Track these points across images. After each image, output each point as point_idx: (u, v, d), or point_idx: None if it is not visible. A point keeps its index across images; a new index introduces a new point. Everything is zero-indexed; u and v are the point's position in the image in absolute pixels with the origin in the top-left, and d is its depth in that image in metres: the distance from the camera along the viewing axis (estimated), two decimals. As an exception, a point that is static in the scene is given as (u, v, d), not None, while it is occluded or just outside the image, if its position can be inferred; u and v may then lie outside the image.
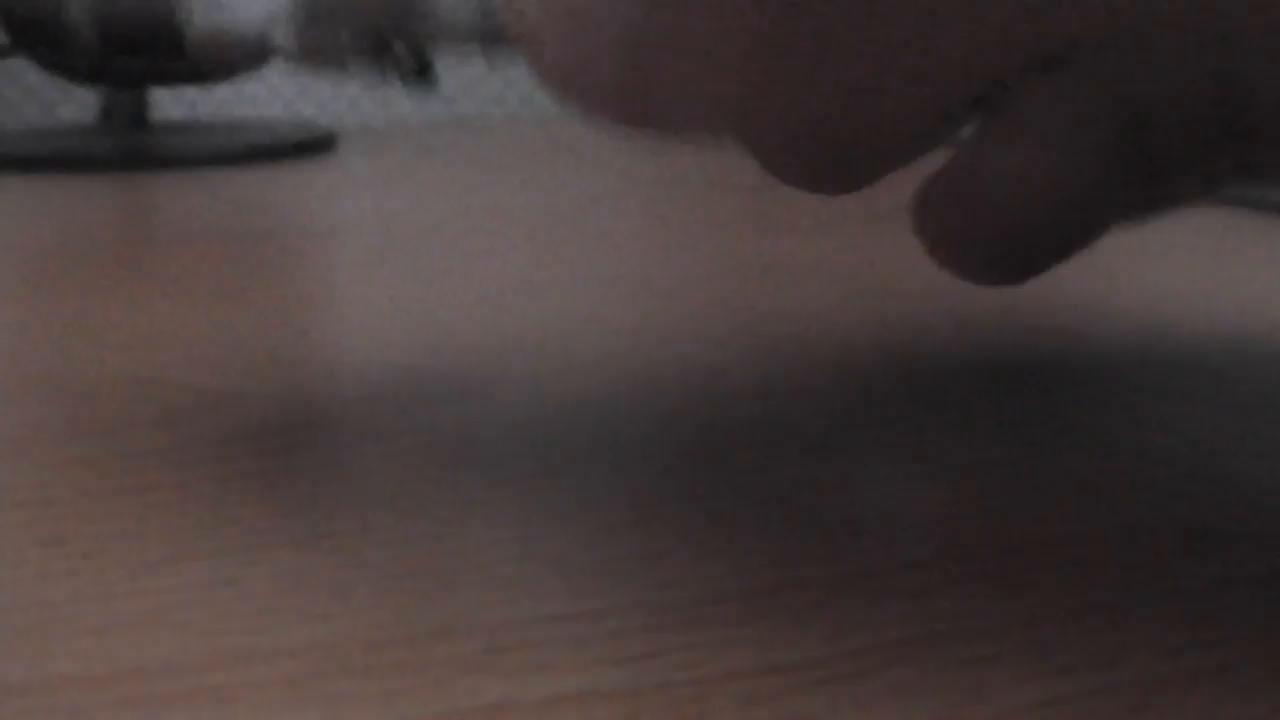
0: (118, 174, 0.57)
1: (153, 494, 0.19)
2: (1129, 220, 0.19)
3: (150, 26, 0.59)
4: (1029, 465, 0.20)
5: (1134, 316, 0.29)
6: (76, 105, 0.89)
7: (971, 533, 0.17)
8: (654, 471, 0.20)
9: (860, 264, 0.35)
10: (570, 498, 0.19)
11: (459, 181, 0.52)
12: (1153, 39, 0.16)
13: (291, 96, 0.91)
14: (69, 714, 0.13)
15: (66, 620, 0.15)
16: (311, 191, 0.50)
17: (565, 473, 0.20)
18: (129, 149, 0.60)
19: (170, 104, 0.89)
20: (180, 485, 0.19)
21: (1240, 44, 0.16)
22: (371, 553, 0.17)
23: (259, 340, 0.28)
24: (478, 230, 0.40)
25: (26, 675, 0.14)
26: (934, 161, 0.54)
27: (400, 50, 0.22)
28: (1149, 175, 0.17)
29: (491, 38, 0.24)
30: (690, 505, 0.18)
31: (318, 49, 0.22)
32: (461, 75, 0.93)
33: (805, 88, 0.17)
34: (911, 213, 0.19)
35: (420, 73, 0.23)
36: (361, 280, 0.34)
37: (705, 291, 0.32)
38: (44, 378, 0.25)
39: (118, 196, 0.50)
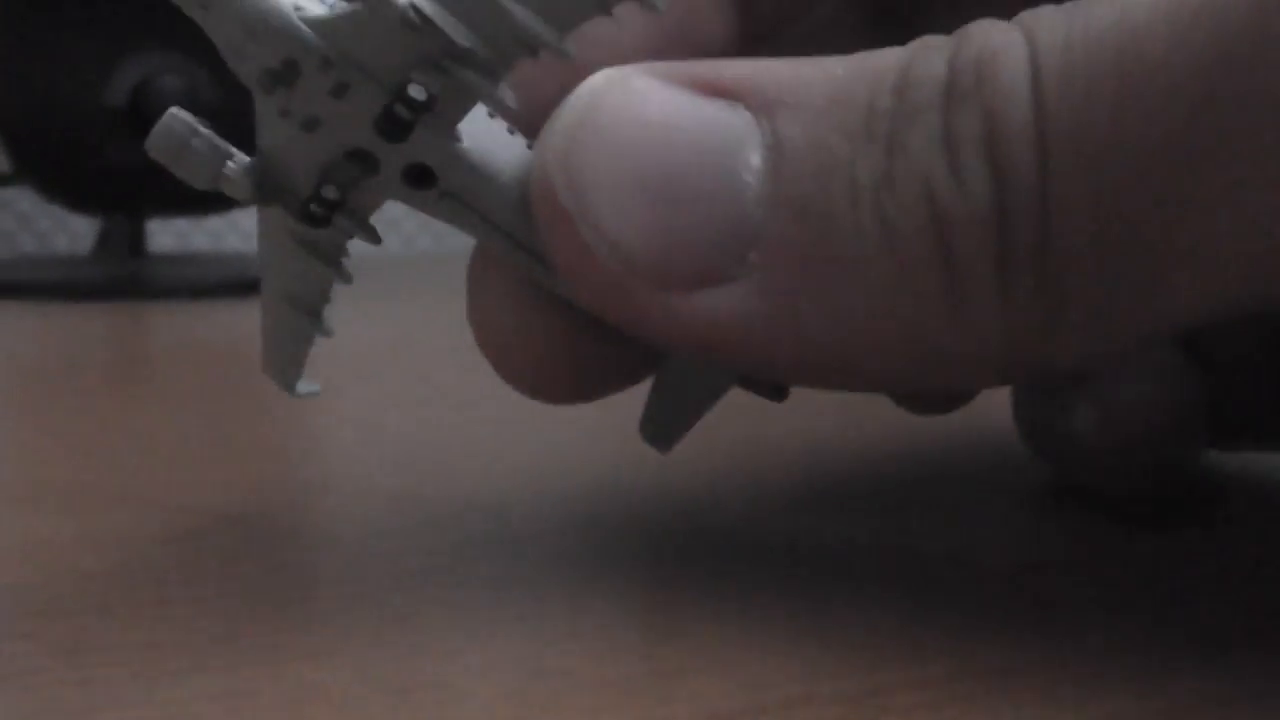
0: (113, 302, 0.57)
1: (167, 607, 0.19)
2: None
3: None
4: (1032, 583, 0.20)
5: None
6: (69, 235, 0.90)
7: (978, 652, 0.18)
8: (661, 590, 0.20)
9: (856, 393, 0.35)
10: (578, 615, 0.19)
11: (446, 313, 0.52)
12: None
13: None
14: (92, 816, 0.13)
15: (85, 727, 0.15)
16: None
17: (572, 591, 0.20)
18: (125, 278, 0.61)
19: (162, 235, 0.90)
20: (194, 600, 0.20)
21: None
22: (384, 666, 0.17)
23: (260, 463, 0.28)
24: (468, 360, 0.41)
25: (49, 779, 0.14)
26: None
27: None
28: None
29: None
30: (697, 623, 0.19)
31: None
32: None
33: None
34: None
35: None
36: (358, 408, 0.34)
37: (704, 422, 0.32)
38: (51, 495, 0.26)
39: (115, 324, 0.50)
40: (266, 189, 0.20)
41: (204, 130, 0.20)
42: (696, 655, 0.18)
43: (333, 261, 0.22)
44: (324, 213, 0.20)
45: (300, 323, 0.23)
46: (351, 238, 0.21)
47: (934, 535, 0.23)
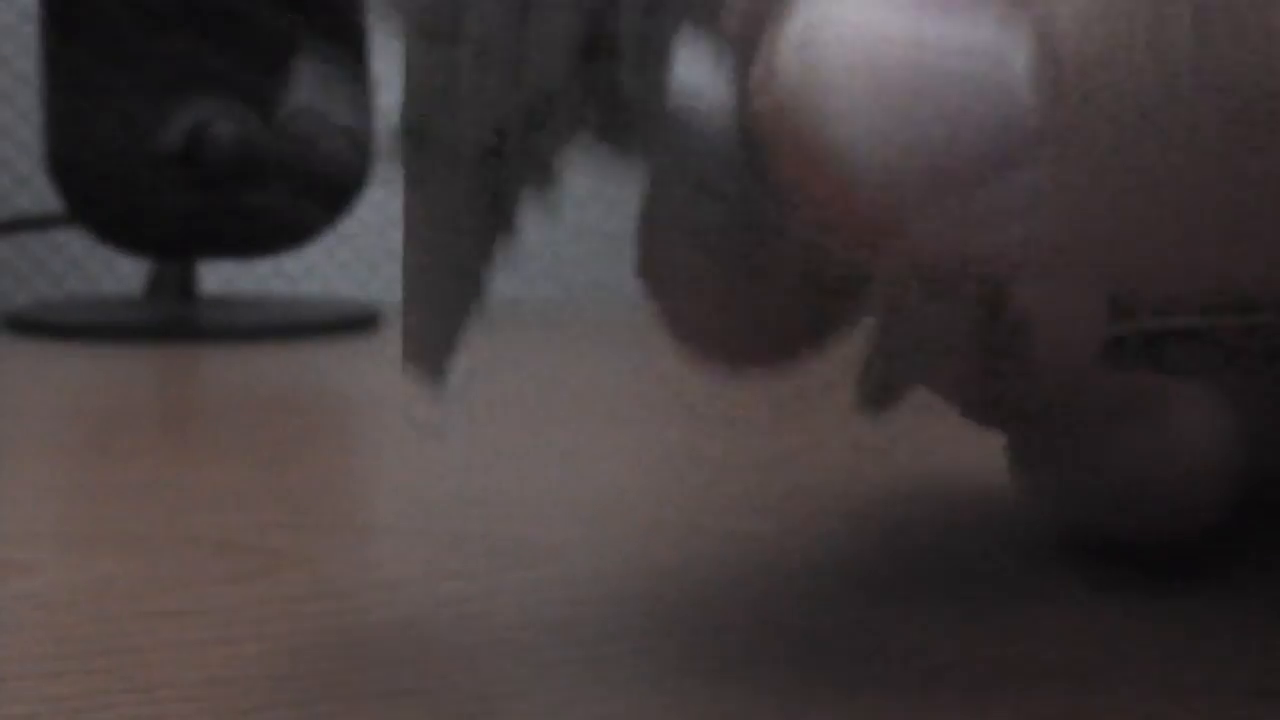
0: (164, 345, 0.58)
1: (236, 646, 0.20)
2: None
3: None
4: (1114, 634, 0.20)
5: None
6: (116, 278, 0.91)
7: (1058, 712, 0.18)
8: (725, 634, 0.20)
9: (911, 444, 0.35)
10: (641, 660, 0.19)
11: (502, 360, 0.53)
12: None
13: (329, 274, 0.93)
14: None
15: (162, 763, 0.16)
16: (359, 366, 0.51)
17: (635, 635, 0.20)
18: (177, 320, 0.62)
19: (209, 278, 0.91)
20: (263, 639, 0.20)
21: None
22: (453, 708, 0.17)
23: (321, 505, 0.29)
24: (522, 406, 0.41)
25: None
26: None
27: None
28: None
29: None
30: (759, 669, 0.19)
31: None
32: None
33: None
34: None
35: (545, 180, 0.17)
36: (416, 452, 0.35)
37: (755, 469, 0.32)
38: (114, 535, 0.26)
39: (167, 366, 0.51)
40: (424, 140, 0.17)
41: None
42: (764, 700, 0.18)
43: (505, 212, 0.18)
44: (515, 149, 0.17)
45: (456, 289, 0.19)
46: (530, 181, 0.18)
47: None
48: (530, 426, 0.38)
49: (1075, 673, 0.19)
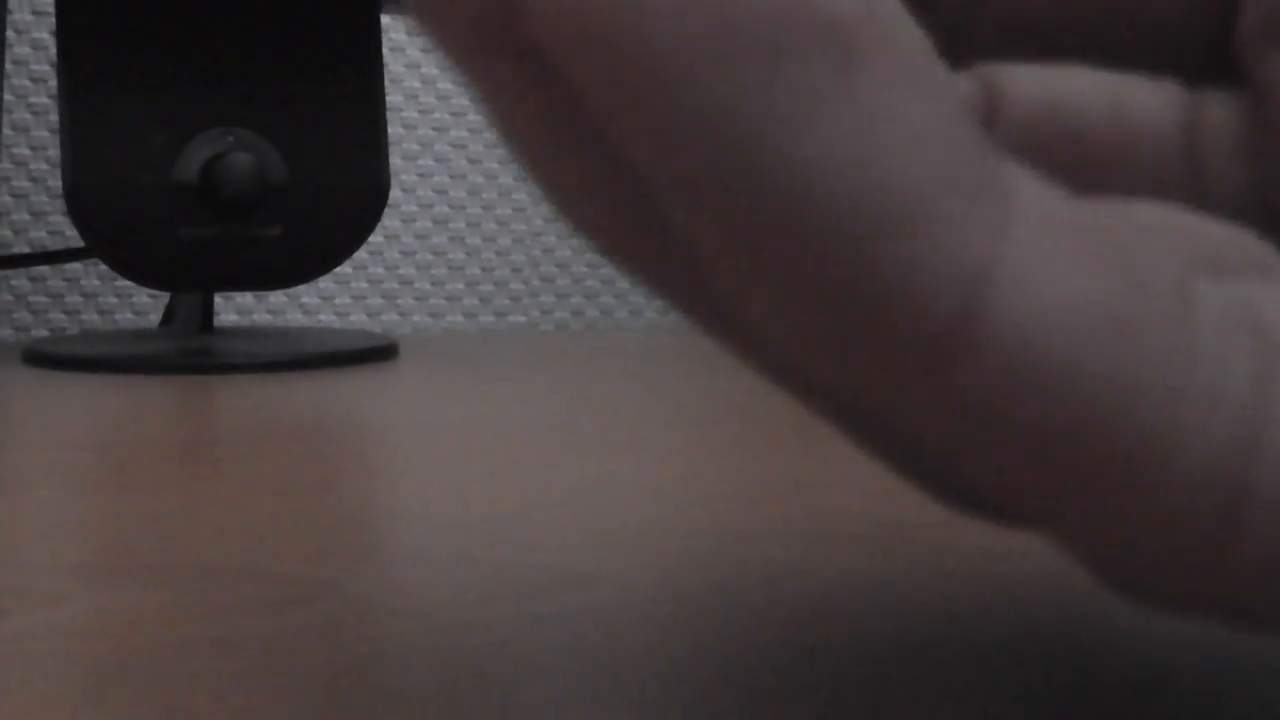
0: (182, 377, 0.58)
1: (270, 678, 0.19)
2: None
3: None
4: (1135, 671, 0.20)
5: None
6: (134, 310, 0.91)
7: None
8: (759, 662, 0.20)
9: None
10: (679, 688, 0.19)
11: (514, 386, 0.53)
12: None
13: (344, 305, 0.93)
14: None
15: (200, 794, 0.16)
16: (378, 396, 0.51)
17: (672, 663, 0.20)
18: (194, 352, 0.62)
19: (224, 310, 0.91)
20: (296, 669, 0.20)
21: None
22: (493, 736, 0.17)
23: (348, 534, 0.28)
24: (545, 436, 0.41)
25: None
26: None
27: None
28: None
29: None
30: (797, 694, 0.19)
31: None
32: (512, 288, 0.95)
33: None
34: None
35: None
36: (440, 481, 0.34)
37: (779, 497, 0.32)
38: (140, 565, 0.26)
39: (184, 398, 0.51)
40: None
41: None
42: (803, 727, 0.18)
43: None
44: None
45: None
46: None
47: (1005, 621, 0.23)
48: (558, 454, 0.38)
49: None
